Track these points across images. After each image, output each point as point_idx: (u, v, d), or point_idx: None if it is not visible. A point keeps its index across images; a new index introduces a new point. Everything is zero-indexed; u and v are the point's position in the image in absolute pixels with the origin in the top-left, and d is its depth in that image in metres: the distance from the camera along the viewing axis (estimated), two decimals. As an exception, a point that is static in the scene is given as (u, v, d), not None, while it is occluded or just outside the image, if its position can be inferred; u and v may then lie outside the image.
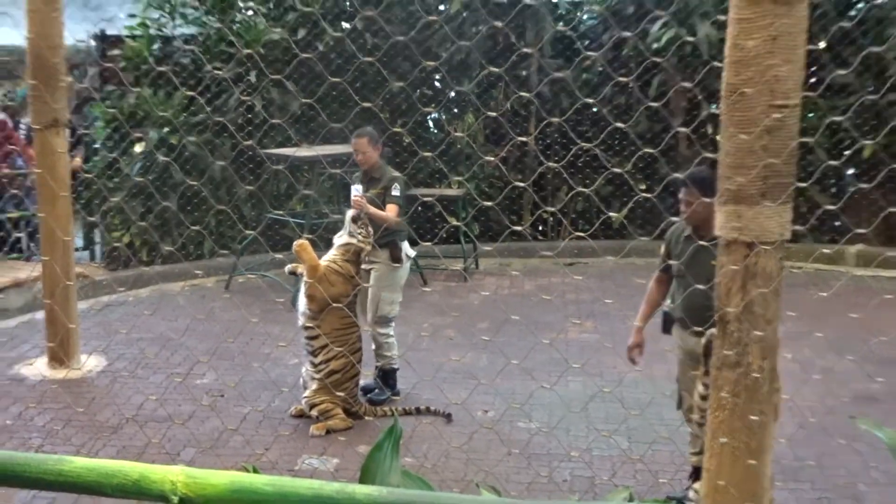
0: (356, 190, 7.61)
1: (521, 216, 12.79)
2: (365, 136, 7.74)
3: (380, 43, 11.90)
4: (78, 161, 12.16)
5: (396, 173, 7.79)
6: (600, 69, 12.38)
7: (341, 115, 11.79)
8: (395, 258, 7.71)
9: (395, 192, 7.62)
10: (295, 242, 7.22)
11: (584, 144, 5.53)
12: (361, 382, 7.74)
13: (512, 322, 9.35)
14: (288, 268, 7.49)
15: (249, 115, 11.98)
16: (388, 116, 12.25)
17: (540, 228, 13.12)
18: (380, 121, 10.94)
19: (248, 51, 11.15)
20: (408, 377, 8.28)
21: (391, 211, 7.61)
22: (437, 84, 12.75)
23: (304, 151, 10.69)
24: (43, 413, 7.72)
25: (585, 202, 12.73)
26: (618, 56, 12.55)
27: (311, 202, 11.11)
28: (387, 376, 8.01)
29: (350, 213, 7.51)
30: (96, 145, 12.40)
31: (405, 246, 7.82)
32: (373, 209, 7.51)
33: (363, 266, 7.52)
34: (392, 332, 7.90)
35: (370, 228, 7.51)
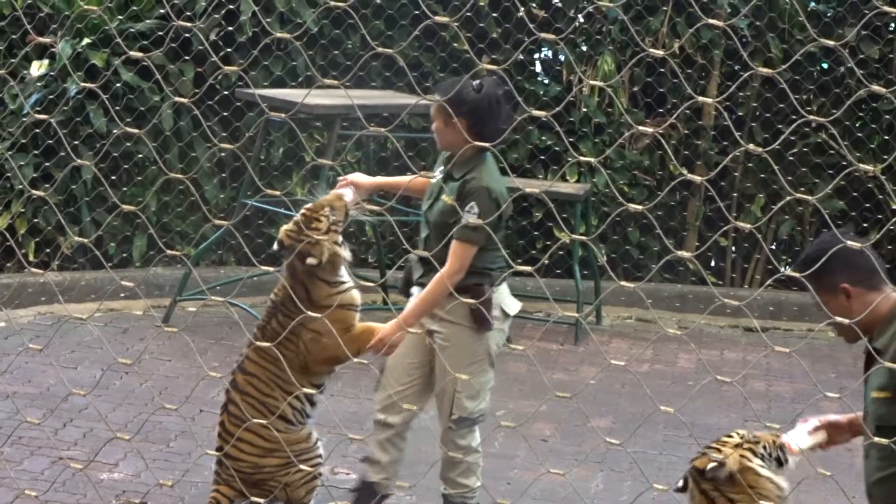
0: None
1: (684, 239, 11.38)
2: (439, 97, 6.81)
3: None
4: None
5: (491, 179, 6.52)
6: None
7: (389, 39, 10.73)
8: (478, 318, 6.64)
9: (470, 213, 6.48)
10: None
11: (811, 119, 4.31)
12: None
13: (656, 420, 8.75)
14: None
15: (230, 28, 10.73)
16: (471, 48, 10.83)
17: (713, 263, 11.83)
18: (450, 54, 10.66)
19: None
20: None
21: (451, 253, 6.44)
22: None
23: (321, 97, 9.69)
24: None
25: (796, 221, 11.34)
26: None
27: (327, 182, 9.54)
28: None
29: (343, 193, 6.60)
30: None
31: (502, 297, 6.66)
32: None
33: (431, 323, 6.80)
34: (475, 444, 6.82)
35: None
